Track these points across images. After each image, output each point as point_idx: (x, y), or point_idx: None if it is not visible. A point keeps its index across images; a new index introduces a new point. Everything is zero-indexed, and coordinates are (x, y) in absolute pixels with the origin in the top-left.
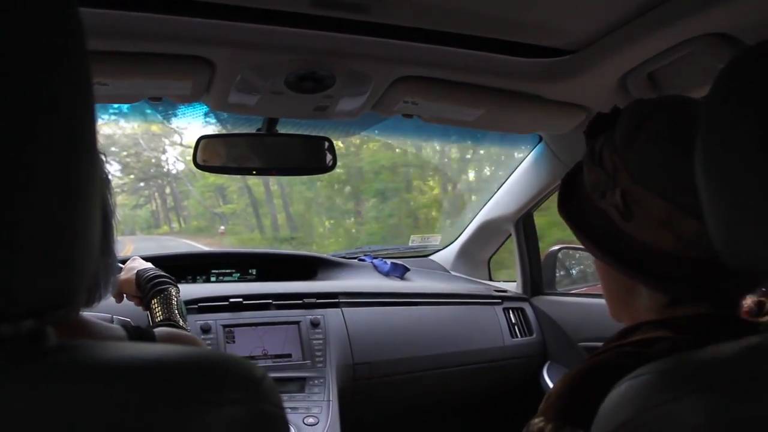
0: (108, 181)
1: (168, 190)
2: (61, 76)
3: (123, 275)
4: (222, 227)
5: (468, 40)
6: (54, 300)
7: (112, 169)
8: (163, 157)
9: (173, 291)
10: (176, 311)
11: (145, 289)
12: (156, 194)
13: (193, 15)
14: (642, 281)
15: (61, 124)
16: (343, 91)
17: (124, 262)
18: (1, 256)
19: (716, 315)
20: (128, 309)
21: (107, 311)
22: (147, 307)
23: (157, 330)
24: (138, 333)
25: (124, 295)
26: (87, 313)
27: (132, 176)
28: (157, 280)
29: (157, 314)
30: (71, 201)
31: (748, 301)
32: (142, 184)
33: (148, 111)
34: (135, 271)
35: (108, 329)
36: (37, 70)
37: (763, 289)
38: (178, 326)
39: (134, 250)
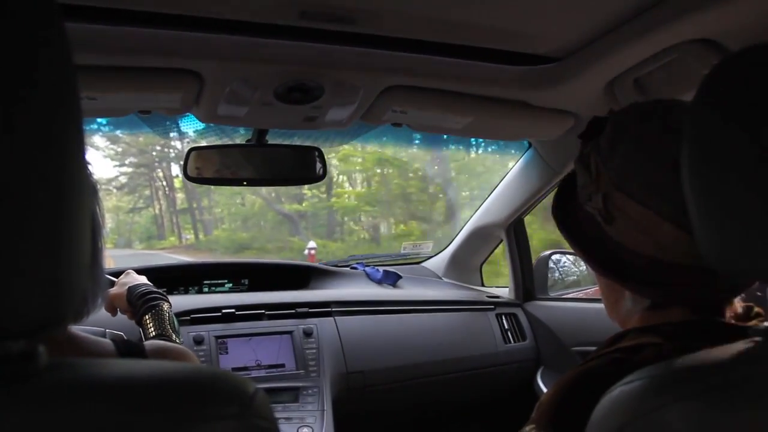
0: (96, 192)
1: (178, 183)
2: (47, 92)
3: (115, 290)
4: (312, 244)
5: (455, 49)
6: (45, 319)
7: (99, 155)
8: (172, 134)
9: (165, 306)
10: (168, 326)
11: (136, 306)
12: (160, 193)
13: (181, 28)
14: (624, 285)
15: (49, 144)
16: (332, 101)
17: (117, 274)
18: None
19: (702, 321)
20: (122, 322)
21: (101, 325)
22: (139, 323)
23: (148, 343)
24: (128, 347)
25: (118, 309)
26: (78, 327)
27: (128, 168)
28: (148, 296)
29: (150, 330)
30: (60, 220)
31: (737, 305)
32: (142, 179)
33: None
34: (126, 287)
35: (97, 344)
36: (22, 88)
37: (758, 294)
38: (171, 341)
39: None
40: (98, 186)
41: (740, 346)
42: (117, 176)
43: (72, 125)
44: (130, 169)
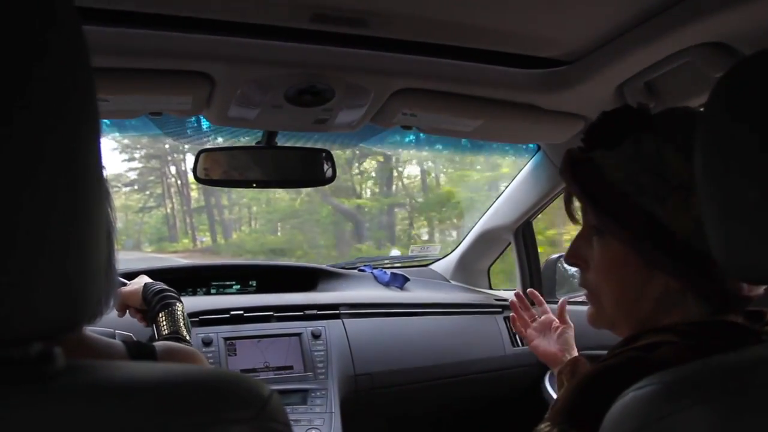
0: (109, 194)
1: (191, 176)
2: (65, 94)
3: (129, 288)
4: (396, 253)
5: (466, 52)
6: (63, 322)
7: (107, 147)
8: (189, 130)
9: (179, 306)
10: (182, 325)
11: (151, 303)
12: (172, 190)
13: (193, 31)
14: (668, 267)
15: (67, 146)
16: (342, 104)
17: (130, 276)
18: (8, 279)
19: (718, 322)
20: (129, 323)
21: (109, 326)
22: (153, 320)
23: (158, 345)
24: (138, 349)
25: (127, 310)
26: (88, 328)
27: (138, 163)
28: (163, 294)
29: (164, 328)
30: (77, 223)
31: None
32: (153, 175)
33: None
34: (142, 284)
35: (108, 345)
36: (39, 90)
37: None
38: (184, 340)
39: None
40: (109, 185)
41: (754, 351)
42: (125, 172)
43: (90, 128)
44: (140, 165)
